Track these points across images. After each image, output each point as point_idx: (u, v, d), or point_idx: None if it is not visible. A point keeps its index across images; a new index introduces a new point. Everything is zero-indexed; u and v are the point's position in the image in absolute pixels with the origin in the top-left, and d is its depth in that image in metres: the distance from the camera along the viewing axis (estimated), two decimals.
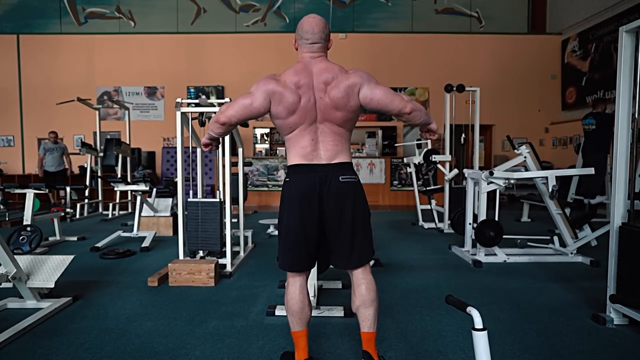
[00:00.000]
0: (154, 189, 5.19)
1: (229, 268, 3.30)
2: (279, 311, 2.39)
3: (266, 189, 8.40)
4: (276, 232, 4.93)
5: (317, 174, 1.58)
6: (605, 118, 5.39)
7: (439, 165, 5.37)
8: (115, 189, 4.78)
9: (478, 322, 1.15)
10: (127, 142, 7.29)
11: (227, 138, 3.31)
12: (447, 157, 5.20)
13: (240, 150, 3.98)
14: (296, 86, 1.55)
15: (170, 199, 5.33)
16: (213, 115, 3.54)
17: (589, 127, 5.55)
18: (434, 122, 1.74)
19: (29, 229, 3.80)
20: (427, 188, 5.74)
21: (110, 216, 6.47)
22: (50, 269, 2.57)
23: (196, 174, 3.67)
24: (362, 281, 1.65)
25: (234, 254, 3.70)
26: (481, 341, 1.14)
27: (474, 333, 1.16)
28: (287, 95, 1.54)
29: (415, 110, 1.61)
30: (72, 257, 2.70)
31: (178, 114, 3.21)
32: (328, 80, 1.56)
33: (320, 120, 1.58)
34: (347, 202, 1.58)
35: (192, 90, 9.40)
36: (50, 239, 4.53)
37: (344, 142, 1.63)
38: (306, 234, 1.60)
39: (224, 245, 3.36)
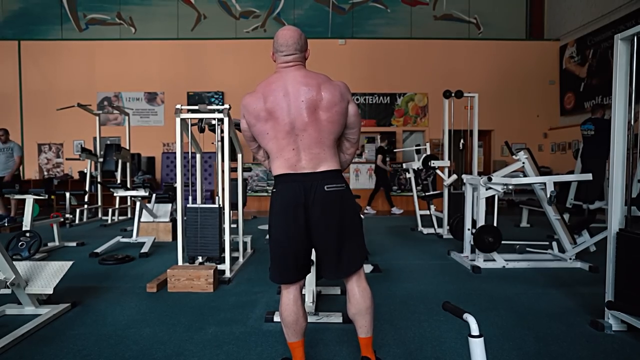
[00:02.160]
0: (154, 195, 5.20)
1: (227, 274, 3.30)
2: (278, 317, 2.39)
3: (265, 194, 8.41)
4: None
5: (302, 183, 1.54)
6: (603, 124, 5.41)
7: (438, 171, 5.39)
8: (115, 194, 4.79)
9: (474, 329, 1.16)
10: (127, 148, 7.31)
11: (226, 143, 3.32)
12: (446, 162, 5.22)
13: (239, 155, 4.00)
14: (265, 94, 1.56)
15: (170, 205, 5.33)
16: (212, 121, 3.57)
17: (588, 133, 5.56)
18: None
19: (28, 234, 3.80)
20: (426, 193, 5.76)
21: (109, 222, 6.47)
22: (49, 275, 2.57)
23: (195, 179, 3.68)
24: (356, 289, 1.64)
25: (233, 260, 3.70)
26: (477, 348, 1.15)
27: (470, 340, 1.16)
28: (252, 104, 1.58)
29: (355, 152, 1.77)
30: (71, 263, 2.70)
31: (178, 120, 3.23)
32: (319, 82, 1.56)
33: (300, 127, 1.53)
34: (333, 211, 1.55)
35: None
36: (50, 244, 4.53)
37: (326, 150, 1.57)
38: (293, 245, 1.57)
39: (223, 251, 3.36)
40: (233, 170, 3.98)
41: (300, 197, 1.54)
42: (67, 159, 9.22)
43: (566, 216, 5.12)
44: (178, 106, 3.25)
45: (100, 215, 7.11)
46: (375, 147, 9.19)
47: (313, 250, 1.72)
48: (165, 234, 5.04)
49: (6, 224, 5.69)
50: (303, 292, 2.30)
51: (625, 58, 2.18)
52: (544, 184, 3.55)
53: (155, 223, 5.05)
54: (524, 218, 6.06)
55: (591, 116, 5.67)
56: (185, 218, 3.38)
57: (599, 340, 2.14)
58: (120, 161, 7.13)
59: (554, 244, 3.81)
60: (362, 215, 1.71)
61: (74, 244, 4.71)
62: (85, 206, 6.74)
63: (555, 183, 3.52)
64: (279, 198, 1.58)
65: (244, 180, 4.78)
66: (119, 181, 7.04)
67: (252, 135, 1.67)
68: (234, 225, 4.36)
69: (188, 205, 3.39)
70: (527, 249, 3.89)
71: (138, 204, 4.58)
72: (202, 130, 3.73)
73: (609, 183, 2.30)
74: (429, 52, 9.52)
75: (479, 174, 4.70)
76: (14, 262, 2.43)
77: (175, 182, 4.92)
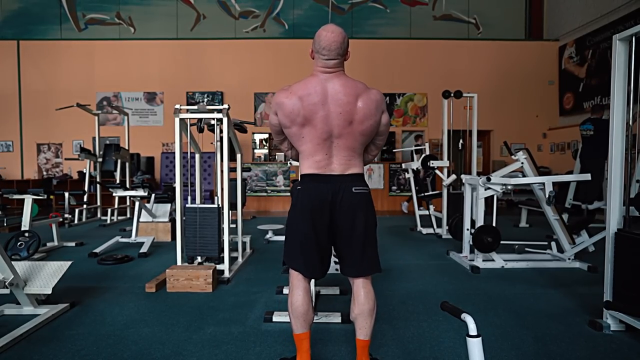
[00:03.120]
0: (153, 195, 5.20)
1: (226, 274, 3.30)
2: (277, 317, 2.39)
3: (265, 194, 8.40)
4: (274, 238, 4.95)
5: (331, 184, 1.60)
6: (603, 124, 5.42)
7: (437, 171, 5.39)
8: (114, 194, 4.78)
9: (472, 329, 1.16)
10: (126, 148, 7.31)
11: (225, 144, 3.31)
12: (445, 162, 5.22)
13: (238, 155, 4.00)
14: (302, 98, 1.56)
15: (169, 205, 5.33)
16: (211, 121, 3.56)
17: (587, 133, 5.57)
18: None
19: (27, 234, 3.80)
20: (426, 194, 5.76)
21: (108, 222, 6.46)
22: (47, 275, 2.57)
23: (195, 179, 3.68)
24: (362, 290, 1.68)
25: (232, 260, 3.70)
26: (475, 348, 1.15)
27: (468, 340, 1.16)
28: (288, 105, 1.58)
29: (377, 154, 1.87)
30: (69, 263, 2.70)
31: (177, 120, 3.23)
32: (357, 93, 1.58)
33: (336, 135, 1.59)
34: (358, 212, 1.62)
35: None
36: (49, 244, 4.53)
37: (357, 157, 1.66)
38: (319, 242, 1.63)
39: (222, 251, 3.36)
40: (232, 170, 3.97)
41: (328, 196, 1.60)
42: (66, 159, 9.21)
43: (565, 216, 5.13)
44: (177, 106, 3.25)
45: (99, 215, 7.11)
46: None
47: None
48: (165, 234, 5.04)
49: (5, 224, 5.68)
50: None
51: (623, 58, 2.19)
52: (543, 184, 3.56)
53: (155, 223, 5.05)
54: (523, 218, 6.06)
55: (591, 116, 5.68)
56: (184, 218, 3.37)
57: (597, 340, 2.14)
58: (119, 161, 7.12)
59: (553, 244, 3.82)
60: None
61: (73, 244, 4.70)
62: (84, 206, 6.74)
63: (554, 183, 3.53)
64: (307, 195, 1.62)
65: (243, 180, 4.78)
66: (118, 181, 7.04)
67: (282, 130, 1.69)
68: (233, 225, 4.37)
69: (187, 205, 3.39)
70: (526, 249, 3.89)
71: (137, 204, 4.58)
72: (201, 131, 3.73)
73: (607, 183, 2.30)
74: (428, 52, 9.53)
75: (478, 174, 4.70)
76: (12, 262, 2.43)
77: (175, 182, 4.91)
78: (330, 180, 1.61)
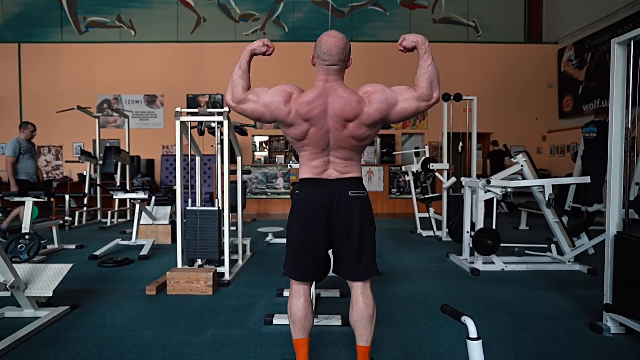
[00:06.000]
0: (153, 197, 5.20)
1: (227, 277, 3.30)
2: (277, 320, 2.39)
3: (265, 197, 8.41)
4: (275, 241, 4.95)
5: (328, 188, 1.61)
6: (606, 127, 5.40)
7: (437, 174, 5.39)
8: (114, 197, 4.79)
9: (473, 332, 1.17)
10: (127, 150, 7.32)
11: (226, 146, 3.32)
12: (445, 165, 5.22)
13: (239, 158, 4.01)
14: (307, 115, 1.54)
15: (169, 207, 5.33)
16: (212, 124, 3.56)
17: (590, 135, 5.57)
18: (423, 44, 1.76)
19: (27, 237, 3.81)
20: (426, 196, 5.76)
21: (109, 224, 6.47)
22: (48, 278, 2.57)
23: (195, 182, 3.69)
24: (361, 296, 1.67)
25: (233, 263, 3.70)
26: (476, 350, 1.15)
27: (469, 342, 1.17)
28: (296, 125, 1.57)
29: (434, 91, 1.76)
30: (70, 265, 2.70)
31: (177, 123, 3.23)
32: (348, 116, 1.54)
33: (333, 147, 1.60)
34: (355, 216, 1.61)
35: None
36: (49, 247, 4.53)
37: (355, 163, 1.66)
38: (315, 245, 1.63)
39: (223, 253, 3.36)
40: (232, 172, 3.98)
41: (325, 200, 1.60)
42: (66, 162, 9.23)
43: (565, 219, 5.12)
44: (178, 109, 3.26)
45: (99, 217, 7.11)
46: (374, 151, 9.22)
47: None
48: (165, 237, 5.04)
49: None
50: None
51: (622, 62, 2.20)
52: (543, 187, 3.56)
53: (155, 226, 5.05)
54: (523, 221, 6.07)
55: (595, 119, 5.68)
56: (184, 221, 3.38)
57: (597, 343, 2.14)
58: (119, 164, 7.13)
59: (553, 246, 3.82)
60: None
61: (74, 246, 4.71)
62: (85, 209, 6.74)
63: (553, 186, 3.54)
64: (304, 199, 1.63)
65: (244, 183, 4.79)
66: (118, 184, 7.05)
67: (271, 115, 1.60)
68: (233, 228, 4.36)
69: (188, 208, 3.39)
70: (526, 251, 3.89)
71: (137, 206, 4.58)
72: (202, 134, 3.74)
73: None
74: None
75: (478, 176, 4.71)
76: (13, 265, 2.43)
77: (175, 185, 4.92)
78: (327, 184, 1.61)
